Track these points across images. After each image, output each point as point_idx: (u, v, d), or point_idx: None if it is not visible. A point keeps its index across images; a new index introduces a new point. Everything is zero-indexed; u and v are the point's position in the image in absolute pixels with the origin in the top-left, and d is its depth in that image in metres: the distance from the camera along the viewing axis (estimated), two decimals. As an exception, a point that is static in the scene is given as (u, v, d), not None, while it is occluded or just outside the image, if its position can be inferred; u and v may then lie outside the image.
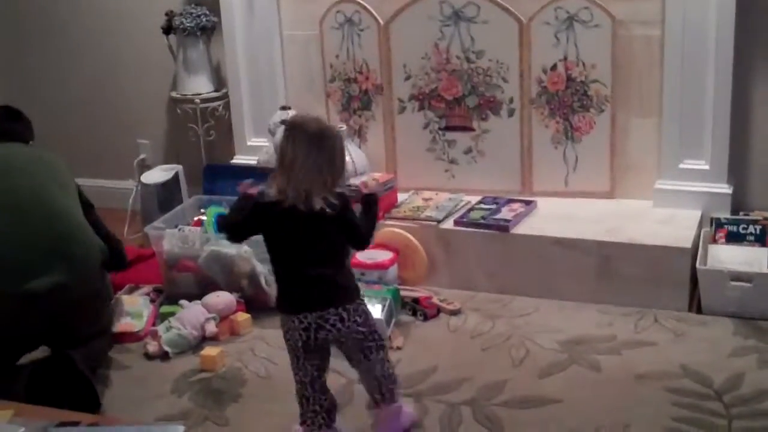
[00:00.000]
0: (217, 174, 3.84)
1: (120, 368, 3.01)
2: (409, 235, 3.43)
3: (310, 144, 2.33)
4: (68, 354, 2.71)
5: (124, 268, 3.26)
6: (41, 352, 2.91)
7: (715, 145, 3.36)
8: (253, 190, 2.43)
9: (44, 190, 2.91)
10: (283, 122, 2.45)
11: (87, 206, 3.07)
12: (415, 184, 3.76)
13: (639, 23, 3.40)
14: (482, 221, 3.40)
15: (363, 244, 2.50)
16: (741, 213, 3.43)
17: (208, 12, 4.02)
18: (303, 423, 2.47)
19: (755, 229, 3.25)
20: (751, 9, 3.30)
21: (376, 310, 3.06)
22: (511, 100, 3.59)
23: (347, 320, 2.40)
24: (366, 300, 3.05)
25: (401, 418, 2.55)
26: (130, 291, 3.45)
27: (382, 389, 2.51)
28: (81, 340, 2.84)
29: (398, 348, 3.01)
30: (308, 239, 2.36)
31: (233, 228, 2.49)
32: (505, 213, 3.45)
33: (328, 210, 2.33)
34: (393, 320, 3.12)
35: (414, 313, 3.23)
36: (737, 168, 3.47)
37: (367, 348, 2.47)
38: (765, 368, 2.77)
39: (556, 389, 2.73)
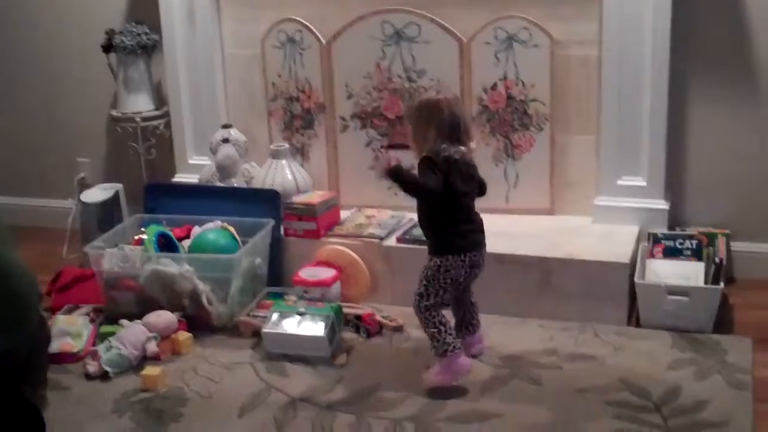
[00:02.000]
0: (159, 192, 3.81)
1: (59, 389, 2.96)
2: (351, 253, 3.44)
3: (454, 113, 2.79)
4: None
5: None
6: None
7: (652, 162, 3.43)
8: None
9: None
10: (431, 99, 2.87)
11: None
12: (358, 202, 3.77)
13: (577, 43, 3.46)
14: (424, 238, 3.40)
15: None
16: (678, 228, 3.50)
17: (148, 30, 4.00)
18: (443, 353, 2.81)
19: (692, 244, 3.31)
20: (687, 29, 3.38)
21: (318, 328, 3.06)
22: (452, 119, 3.63)
23: (483, 258, 2.89)
24: (308, 318, 3.10)
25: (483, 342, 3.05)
26: (70, 311, 3.39)
27: (475, 315, 3.00)
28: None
29: (341, 365, 3.01)
30: (471, 189, 2.86)
31: (437, 190, 2.77)
32: (447, 230, 3.48)
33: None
34: (336, 337, 3.11)
35: (357, 330, 3.23)
36: (674, 184, 3.54)
37: (474, 281, 2.94)
38: (702, 380, 2.82)
39: (498, 404, 2.75)
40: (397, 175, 2.77)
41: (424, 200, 2.84)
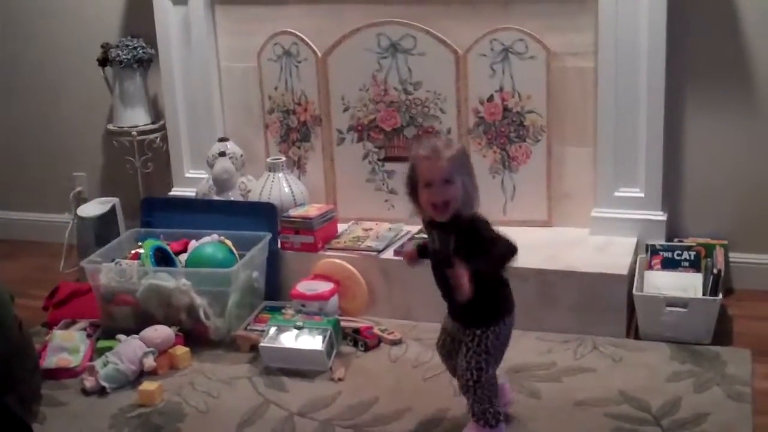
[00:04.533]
0: (155, 206, 3.81)
1: (56, 405, 2.95)
2: (349, 266, 3.43)
3: None
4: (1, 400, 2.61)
5: None
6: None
7: (649, 174, 3.43)
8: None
9: None
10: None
11: None
12: (355, 215, 3.77)
13: (572, 55, 3.46)
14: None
15: None
16: (675, 239, 3.49)
17: (144, 44, 4.00)
18: (496, 424, 2.54)
19: (689, 255, 3.31)
20: (682, 40, 3.38)
21: (316, 342, 3.05)
22: (449, 131, 3.62)
23: None
24: (306, 331, 3.09)
25: None
26: (66, 326, 3.38)
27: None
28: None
29: (339, 379, 3.00)
30: None
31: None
32: (445, 242, 3.47)
33: None
34: (334, 351, 3.10)
35: (355, 344, 3.22)
36: (671, 195, 3.54)
37: None
38: (701, 392, 2.81)
39: (497, 417, 2.74)
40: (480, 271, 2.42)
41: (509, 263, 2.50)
